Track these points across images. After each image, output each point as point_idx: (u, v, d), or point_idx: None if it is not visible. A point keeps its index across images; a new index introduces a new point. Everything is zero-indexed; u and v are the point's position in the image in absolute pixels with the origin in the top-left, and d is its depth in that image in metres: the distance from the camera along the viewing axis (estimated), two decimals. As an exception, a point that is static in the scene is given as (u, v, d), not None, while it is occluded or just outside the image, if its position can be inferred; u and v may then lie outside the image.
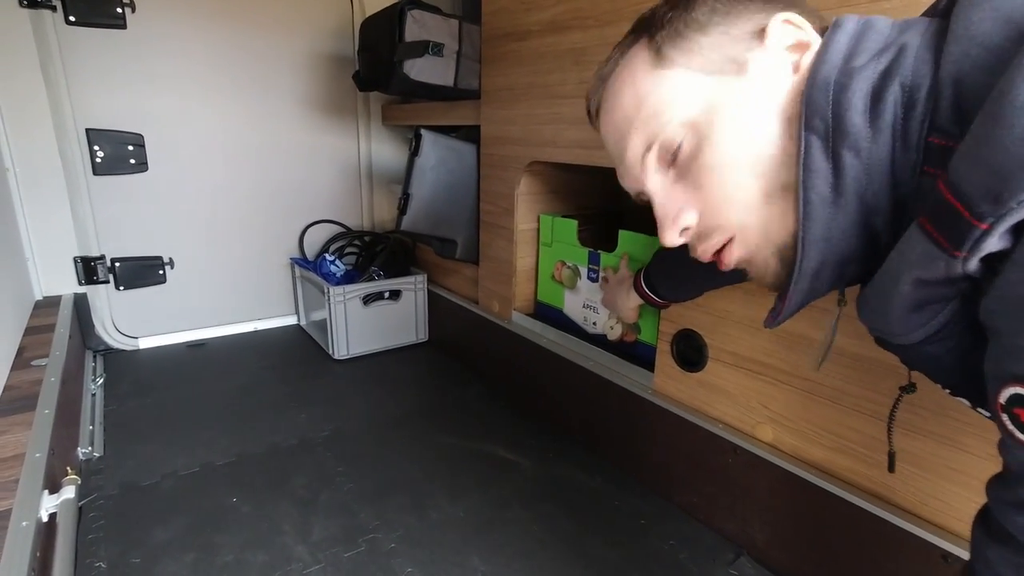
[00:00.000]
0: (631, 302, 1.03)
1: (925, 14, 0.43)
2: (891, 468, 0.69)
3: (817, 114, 0.41)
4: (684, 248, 0.87)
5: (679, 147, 0.46)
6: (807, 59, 0.44)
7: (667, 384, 1.06)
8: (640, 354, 1.15)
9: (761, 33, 0.45)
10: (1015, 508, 0.36)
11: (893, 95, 0.38)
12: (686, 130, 0.46)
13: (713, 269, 0.86)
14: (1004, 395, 0.33)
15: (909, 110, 0.38)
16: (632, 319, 1.10)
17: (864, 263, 0.44)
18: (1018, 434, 0.33)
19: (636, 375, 1.13)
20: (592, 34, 1.09)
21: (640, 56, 0.49)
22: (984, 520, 0.40)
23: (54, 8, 1.36)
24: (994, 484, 0.39)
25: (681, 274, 0.92)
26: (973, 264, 0.32)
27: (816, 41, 0.44)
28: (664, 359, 1.06)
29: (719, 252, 0.49)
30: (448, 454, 1.21)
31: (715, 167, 0.45)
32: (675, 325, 1.02)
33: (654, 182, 0.50)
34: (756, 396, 0.91)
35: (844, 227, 0.42)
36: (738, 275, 0.88)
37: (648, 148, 0.48)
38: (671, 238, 0.49)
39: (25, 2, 1.32)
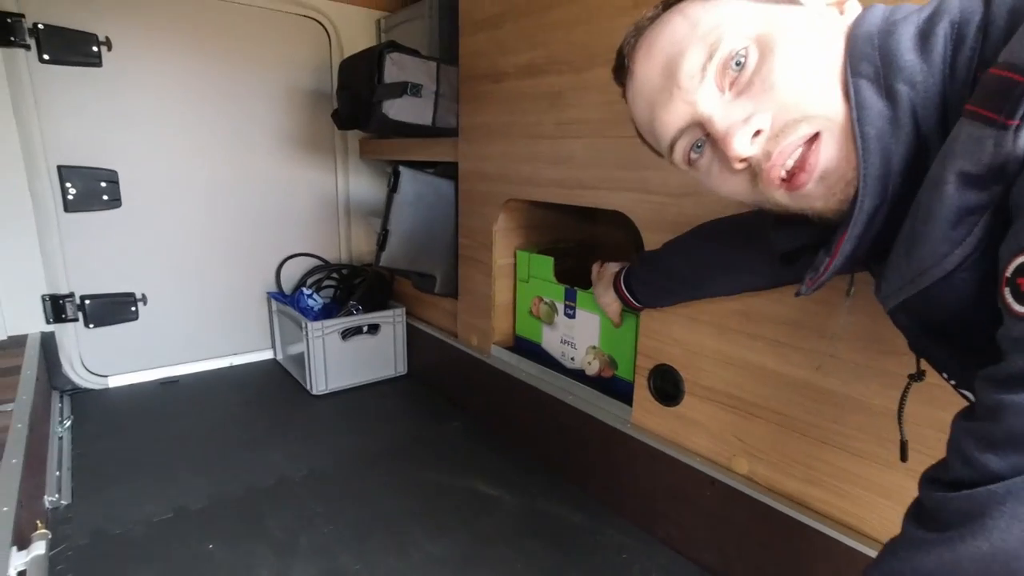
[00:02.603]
0: (610, 299, 1.07)
1: None
2: (903, 457, 0.65)
3: (864, 59, 0.41)
4: (666, 255, 0.92)
5: (745, 57, 0.43)
6: (849, 8, 0.45)
7: (645, 418, 1.08)
8: (618, 389, 1.17)
9: None
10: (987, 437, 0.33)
11: (943, 30, 0.39)
12: (750, 41, 0.43)
13: (688, 278, 0.89)
14: (1012, 266, 0.33)
15: (958, 45, 0.38)
16: (615, 314, 1.11)
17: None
18: (1015, 306, 0.33)
19: (615, 409, 1.15)
20: (567, 79, 1.13)
21: (686, 0, 0.47)
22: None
23: (28, 47, 1.35)
24: (960, 418, 0.38)
25: (658, 282, 0.96)
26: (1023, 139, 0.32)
27: None
28: (642, 393, 1.08)
29: (804, 155, 0.43)
30: (429, 490, 1.21)
31: (788, 66, 0.42)
32: (652, 360, 1.05)
33: (711, 100, 0.45)
34: (731, 429, 0.94)
35: (900, 161, 0.41)
36: (712, 288, 0.87)
37: (709, 57, 0.44)
38: (742, 143, 0.43)
39: (-2, 41, 1.31)
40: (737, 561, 0.95)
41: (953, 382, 0.49)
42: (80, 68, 1.43)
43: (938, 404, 0.69)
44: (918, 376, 0.58)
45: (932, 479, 0.39)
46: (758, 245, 0.75)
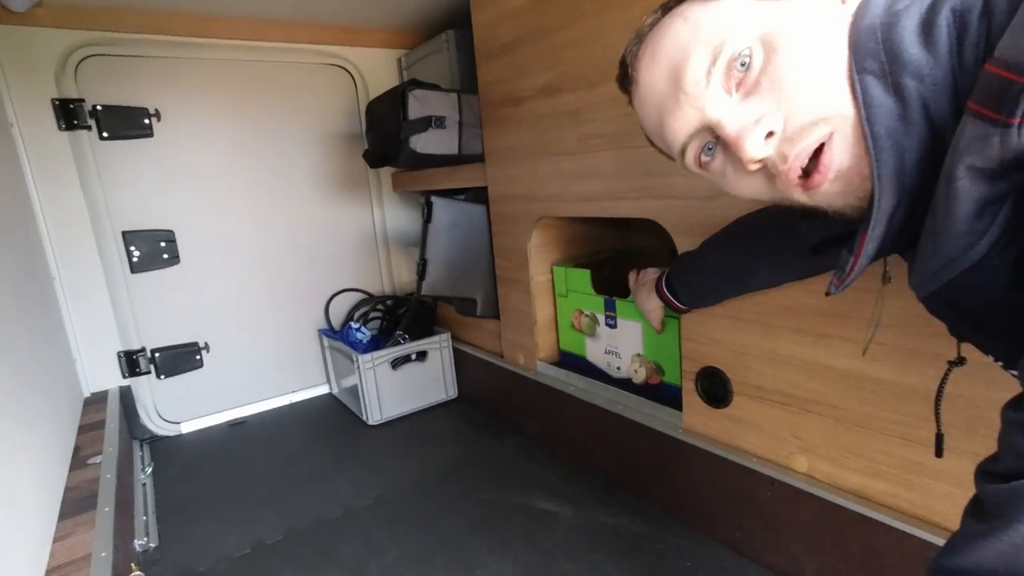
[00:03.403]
0: (653, 304, 1.07)
1: None
2: (939, 452, 0.63)
3: (869, 55, 0.40)
4: (704, 254, 0.92)
5: (750, 57, 0.43)
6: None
7: (696, 422, 1.08)
8: (667, 395, 1.17)
9: None
10: None
11: (945, 20, 0.38)
12: (754, 42, 0.43)
13: (729, 275, 0.89)
14: None
15: (962, 34, 0.38)
16: (658, 320, 1.12)
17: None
18: None
19: (665, 415, 1.14)
20: (584, 95, 1.16)
21: (687, 2, 0.47)
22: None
23: (89, 128, 1.48)
24: (1008, 409, 0.37)
25: (700, 282, 0.96)
26: None
27: None
28: (690, 397, 1.08)
29: (817, 158, 0.42)
30: (490, 509, 1.23)
31: (795, 65, 0.42)
32: (697, 363, 1.05)
33: (719, 103, 0.44)
34: (786, 427, 0.93)
35: (915, 157, 0.40)
36: (754, 281, 0.86)
37: (714, 61, 0.44)
38: (754, 145, 0.43)
39: (63, 125, 1.44)
40: (805, 561, 0.93)
41: (1001, 363, 0.47)
42: (135, 140, 1.56)
43: (998, 384, 0.66)
44: (959, 361, 0.56)
45: (985, 472, 0.38)
46: (790, 238, 0.75)
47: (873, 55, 0.40)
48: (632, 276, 1.15)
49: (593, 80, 1.13)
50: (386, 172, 2.01)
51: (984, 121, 0.33)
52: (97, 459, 1.19)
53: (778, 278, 0.86)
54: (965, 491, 0.73)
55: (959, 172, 0.35)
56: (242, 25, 1.66)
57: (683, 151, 0.49)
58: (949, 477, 0.74)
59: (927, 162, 0.40)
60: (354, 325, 1.83)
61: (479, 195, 1.56)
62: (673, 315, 1.09)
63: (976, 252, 0.38)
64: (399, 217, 2.09)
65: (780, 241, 0.78)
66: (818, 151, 0.42)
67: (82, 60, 1.47)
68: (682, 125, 0.47)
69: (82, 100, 1.47)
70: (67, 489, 1.08)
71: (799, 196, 0.46)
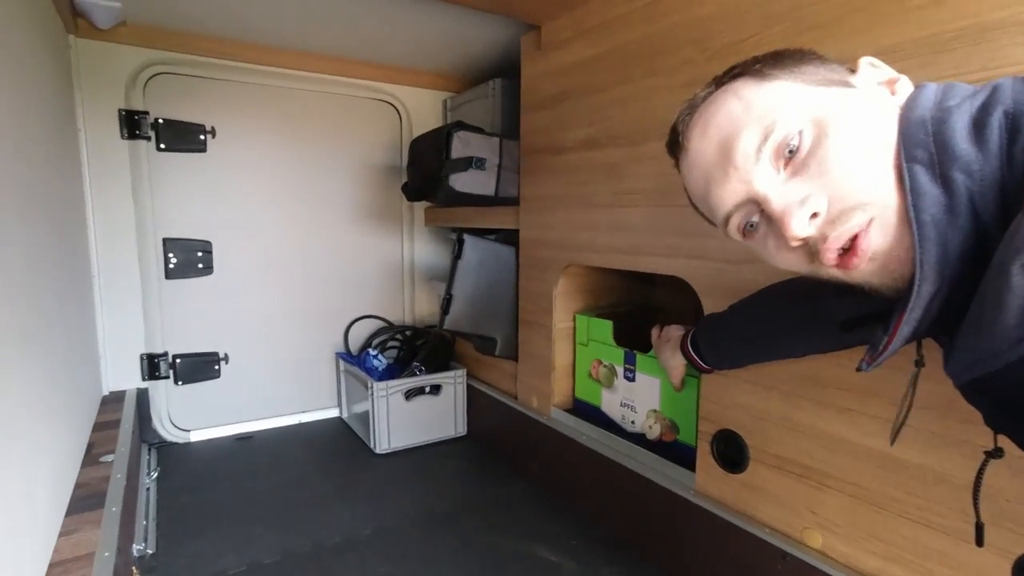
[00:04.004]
0: (676, 361, 1.07)
1: None
2: (979, 542, 0.62)
3: (918, 145, 0.41)
4: (732, 317, 0.93)
5: (800, 138, 0.45)
6: (900, 88, 0.47)
7: (709, 485, 1.06)
8: (680, 454, 1.16)
9: (852, 69, 0.49)
10: None
11: (997, 120, 0.40)
12: (805, 123, 0.45)
13: (755, 340, 0.89)
14: None
15: (1013, 136, 0.39)
16: (678, 378, 1.12)
17: (971, 294, 0.42)
18: None
19: (677, 475, 1.13)
20: (624, 151, 1.20)
21: (740, 80, 0.49)
22: None
23: (149, 138, 1.56)
24: None
25: (726, 344, 0.96)
26: None
27: (903, 77, 0.47)
28: (705, 459, 1.06)
29: (854, 240, 0.44)
30: (490, 554, 1.21)
31: (843, 150, 0.43)
32: (715, 425, 1.04)
33: (766, 180, 0.46)
34: (802, 500, 0.91)
35: (958, 248, 0.41)
36: (780, 349, 0.86)
37: (764, 140, 0.46)
38: (799, 225, 0.44)
39: (125, 134, 1.52)
40: (816, 645, 0.89)
41: None
42: (189, 154, 1.64)
43: (1027, 478, 0.66)
44: (996, 453, 0.55)
45: None
46: (821, 311, 0.76)
47: (923, 145, 0.41)
48: (655, 331, 1.16)
49: (634, 138, 1.17)
50: (419, 207, 2.07)
51: None
52: (109, 458, 1.20)
53: (805, 349, 0.86)
54: (988, 587, 0.70)
55: (1015, 268, 0.36)
56: (298, 56, 1.75)
57: (727, 219, 0.52)
58: (970, 570, 0.72)
59: (969, 256, 0.41)
60: (372, 352, 1.85)
61: (509, 237, 1.59)
62: (693, 374, 1.09)
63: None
64: (427, 251, 2.13)
65: (811, 313, 0.79)
66: (859, 236, 0.44)
67: (152, 76, 1.56)
68: (729, 196, 0.49)
69: (146, 112, 1.55)
70: (78, 485, 1.09)
71: (836, 273, 0.47)
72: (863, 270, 0.45)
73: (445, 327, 1.54)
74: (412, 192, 1.73)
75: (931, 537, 0.76)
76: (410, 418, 1.72)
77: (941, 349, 0.48)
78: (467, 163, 1.50)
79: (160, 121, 1.57)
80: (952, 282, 0.42)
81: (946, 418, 0.73)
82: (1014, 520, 0.66)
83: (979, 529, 0.61)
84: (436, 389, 1.77)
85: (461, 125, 1.55)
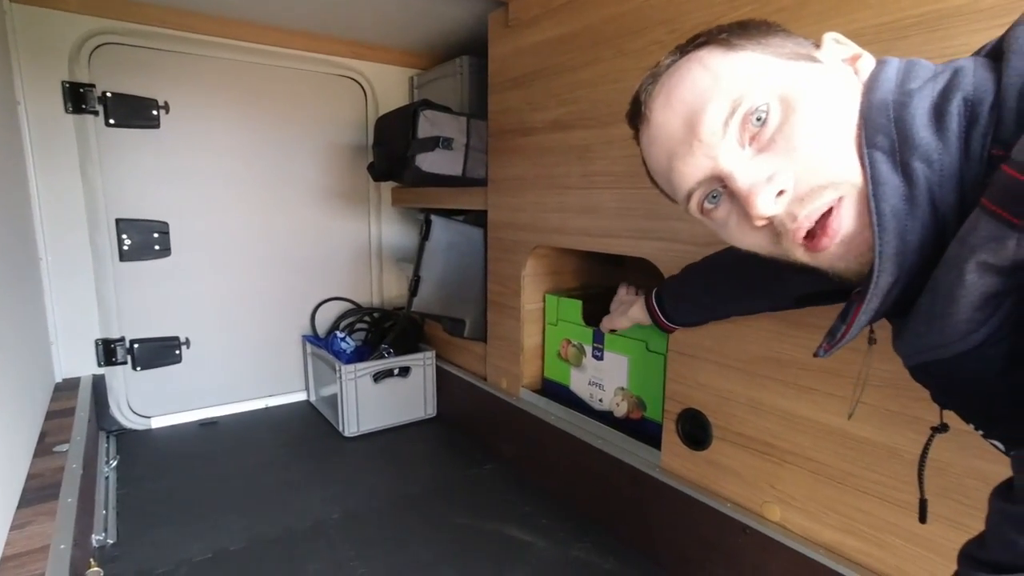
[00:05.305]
0: (634, 314, 1.07)
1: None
2: (922, 518, 0.63)
3: (879, 131, 0.41)
4: (693, 276, 0.93)
5: (767, 113, 0.44)
6: (862, 66, 0.46)
7: (674, 462, 1.09)
8: (647, 431, 1.18)
9: (817, 44, 0.48)
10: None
11: (956, 108, 0.39)
12: (772, 98, 0.44)
13: (725, 294, 0.90)
14: None
15: (972, 123, 0.39)
16: (619, 326, 1.14)
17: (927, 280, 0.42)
18: None
19: (644, 453, 1.15)
20: (594, 133, 1.19)
21: (706, 49, 0.47)
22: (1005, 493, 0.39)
23: (96, 113, 1.48)
24: (998, 497, 0.38)
25: (689, 299, 0.96)
26: None
27: (866, 53, 0.46)
28: (670, 438, 1.09)
29: (824, 219, 0.43)
30: (461, 535, 1.22)
31: (811, 127, 0.43)
32: (680, 404, 1.06)
33: (732, 155, 0.45)
34: (763, 476, 0.94)
35: (917, 239, 0.41)
36: (732, 310, 0.87)
37: (732, 113, 0.44)
38: (765, 202, 0.43)
39: (70, 108, 1.44)
40: (774, 613, 0.93)
41: (981, 432, 0.48)
42: (140, 130, 1.56)
43: (973, 452, 0.69)
44: (941, 428, 0.57)
45: (971, 556, 0.39)
46: (777, 282, 0.77)
47: (884, 131, 0.41)
48: (623, 289, 1.19)
49: (604, 120, 1.16)
50: (386, 187, 2.02)
51: (1001, 222, 0.34)
52: (64, 447, 1.16)
53: (761, 310, 0.87)
54: (937, 556, 0.74)
55: (970, 266, 0.36)
56: (259, 30, 1.68)
57: (689, 196, 0.50)
58: (922, 540, 0.76)
59: (928, 247, 0.41)
60: (339, 334, 1.82)
61: (478, 218, 1.58)
62: (660, 351, 1.11)
63: (973, 339, 0.39)
64: (395, 232, 2.09)
65: (773, 274, 0.79)
66: (826, 214, 0.43)
67: (98, 47, 1.47)
68: (692, 171, 0.47)
69: (92, 85, 1.47)
70: (30, 476, 1.05)
71: (801, 255, 0.46)
72: (830, 253, 0.44)
73: (414, 309, 1.52)
74: (378, 172, 1.69)
75: (886, 510, 0.79)
76: (379, 401, 1.71)
77: (892, 327, 0.49)
78: (434, 142, 1.47)
79: (108, 95, 1.49)
80: (911, 273, 0.42)
81: (900, 396, 0.76)
82: (960, 492, 0.70)
83: (923, 505, 0.62)
84: (405, 371, 1.76)
85: (428, 104, 1.51)
